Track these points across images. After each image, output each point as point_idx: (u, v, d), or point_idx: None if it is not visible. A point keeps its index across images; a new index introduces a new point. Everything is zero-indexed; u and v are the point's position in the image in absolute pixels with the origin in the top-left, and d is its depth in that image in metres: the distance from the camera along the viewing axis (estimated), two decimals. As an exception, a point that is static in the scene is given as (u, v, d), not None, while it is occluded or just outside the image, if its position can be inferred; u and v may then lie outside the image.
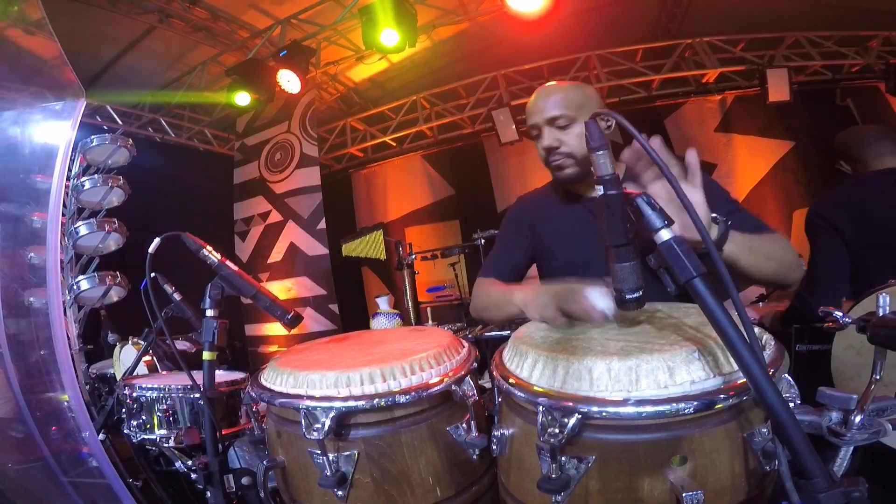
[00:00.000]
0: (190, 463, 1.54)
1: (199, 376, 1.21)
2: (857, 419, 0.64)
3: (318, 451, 0.86)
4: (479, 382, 1.00)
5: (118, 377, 2.33)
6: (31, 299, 1.56)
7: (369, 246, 4.39)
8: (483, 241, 3.60)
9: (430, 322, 4.29)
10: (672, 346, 0.72)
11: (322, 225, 5.06)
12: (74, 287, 3.09)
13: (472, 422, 0.92)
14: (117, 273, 3.23)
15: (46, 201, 1.47)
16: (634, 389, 0.67)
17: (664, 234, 0.63)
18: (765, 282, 1.20)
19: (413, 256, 4.04)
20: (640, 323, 0.87)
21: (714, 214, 0.95)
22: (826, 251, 1.80)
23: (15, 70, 1.52)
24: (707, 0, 4.53)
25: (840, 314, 0.88)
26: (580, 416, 0.66)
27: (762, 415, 0.69)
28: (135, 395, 1.56)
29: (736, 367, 0.65)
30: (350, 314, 5.32)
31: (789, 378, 0.72)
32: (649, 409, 0.65)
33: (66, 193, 3.17)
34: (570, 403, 0.68)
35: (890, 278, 1.62)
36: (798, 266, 1.16)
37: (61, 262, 3.14)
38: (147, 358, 2.18)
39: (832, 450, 0.67)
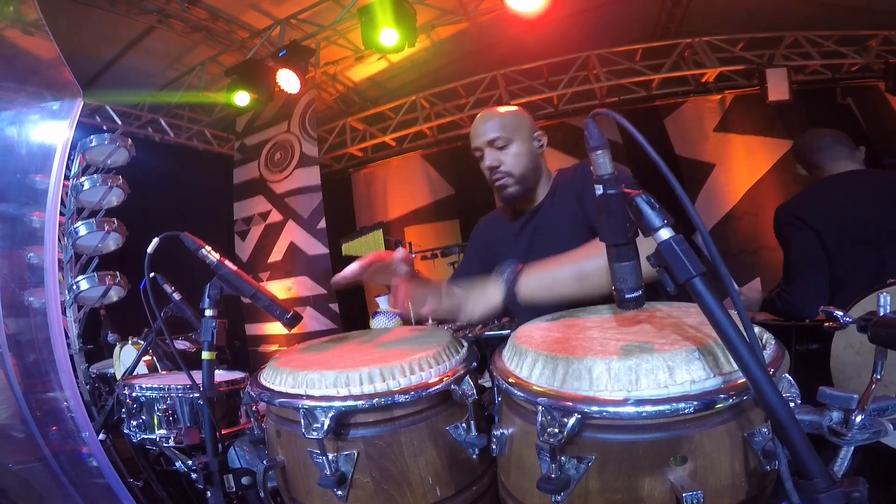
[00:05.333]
0: (190, 463, 1.54)
1: (198, 376, 1.21)
2: (858, 419, 0.63)
3: (318, 451, 0.86)
4: (479, 382, 1.00)
5: (118, 377, 2.33)
6: (31, 299, 1.55)
7: (369, 245, 4.39)
8: (483, 240, 3.59)
9: (430, 322, 4.28)
10: (672, 345, 0.72)
11: (322, 224, 5.06)
12: (74, 287, 3.08)
13: (472, 421, 0.92)
14: (117, 273, 3.22)
15: (45, 201, 1.47)
16: (634, 389, 0.67)
17: (664, 234, 0.63)
18: None
19: (413, 256, 4.03)
20: (640, 322, 0.87)
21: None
22: (803, 246, 1.80)
23: (12, 70, 1.52)
24: (706, -1, 4.54)
25: (841, 313, 0.88)
26: (580, 416, 0.66)
27: (762, 414, 0.69)
28: (135, 394, 1.55)
29: (736, 366, 0.65)
30: (350, 314, 5.32)
31: (789, 377, 0.72)
32: (649, 408, 0.64)
33: (66, 193, 3.17)
34: (570, 403, 0.67)
35: (861, 280, 1.63)
36: None
37: (60, 261, 3.13)
38: (147, 358, 2.18)
39: (832, 450, 0.67)
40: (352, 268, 1.01)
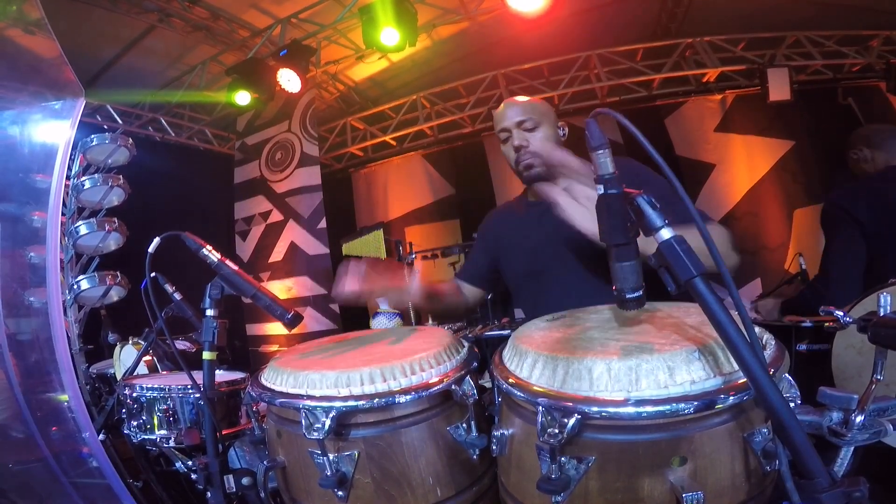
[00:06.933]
0: (190, 463, 1.54)
1: (199, 376, 1.21)
2: (858, 419, 0.63)
3: (319, 451, 0.86)
4: (479, 382, 1.00)
5: (118, 377, 2.33)
6: (32, 299, 1.56)
7: (370, 245, 4.38)
8: (483, 240, 3.59)
9: (430, 322, 4.28)
10: (672, 345, 0.71)
11: (322, 224, 5.06)
12: (74, 287, 3.09)
13: (472, 422, 0.92)
14: (117, 273, 3.23)
15: (46, 200, 1.47)
16: (634, 389, 0.67)
17: (665, 233, 0.63)
18: None
19: (413, 256, 4.04)
20: (641, 322, 0.87)
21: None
22: (845, 245, 1.79)
23: (14, 69, 1.52)
24: (707, -1, 4.53)
25: (841, 313, 0.88)
26: (580, 417, 0.66)
27: (762, 415, 0.69)
28: (135, 395, 1.55)
29: (736, 366, 0.65)
30: (350, 314, 5.31)
31: (790, 378, 0.72)
32: (649, 409, 0.64)
33: (66, 193, 3.17)
34: (570, 403, 0.67)
35: None
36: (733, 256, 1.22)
37: (61, 261, 3.14)
38: (147, 358, 2.18)
39: (833, 450, 0.67)
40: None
